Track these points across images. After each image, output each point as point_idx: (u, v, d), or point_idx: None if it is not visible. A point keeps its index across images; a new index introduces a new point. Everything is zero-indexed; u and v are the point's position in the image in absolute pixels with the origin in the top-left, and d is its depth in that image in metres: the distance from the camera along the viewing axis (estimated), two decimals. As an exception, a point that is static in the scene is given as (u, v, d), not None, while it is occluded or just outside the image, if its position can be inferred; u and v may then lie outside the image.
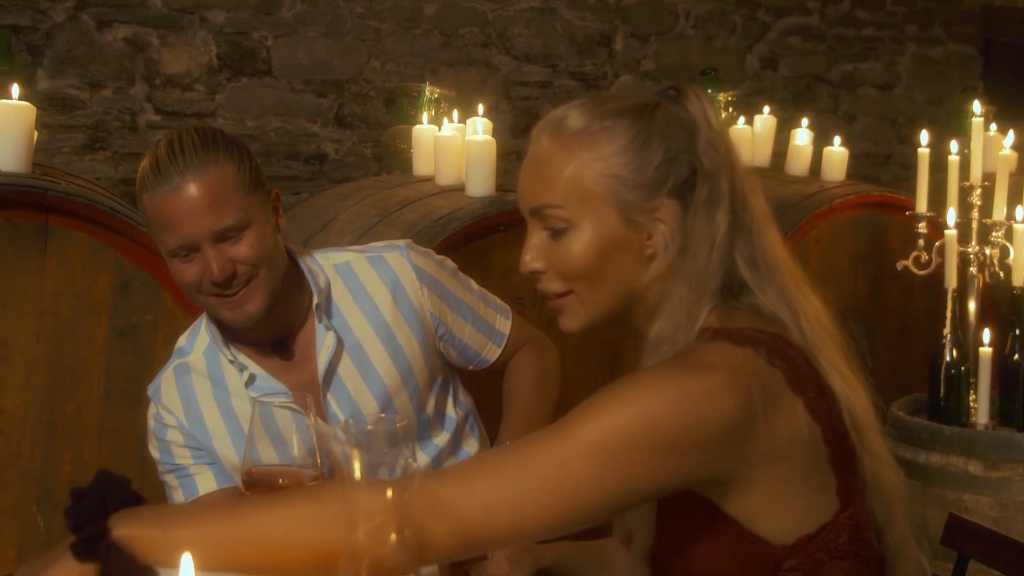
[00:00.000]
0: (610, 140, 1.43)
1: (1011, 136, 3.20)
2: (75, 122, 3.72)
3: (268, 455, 1.70)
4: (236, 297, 1.87)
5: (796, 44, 4.85)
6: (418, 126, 3.33)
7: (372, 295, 2.04)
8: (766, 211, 1.50)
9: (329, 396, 2.00)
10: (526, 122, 4.34)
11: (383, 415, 1.95)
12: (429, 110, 3.39)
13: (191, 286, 1.87)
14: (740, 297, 1.46)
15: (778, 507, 1.37)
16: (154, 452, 2.04)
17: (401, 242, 2.11)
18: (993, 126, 3.62)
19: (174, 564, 1.01)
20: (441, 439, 2.12)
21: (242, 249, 1.85)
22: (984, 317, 3.14)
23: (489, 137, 3.01)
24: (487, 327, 2.18)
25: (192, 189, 1.82)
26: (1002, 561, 1.87)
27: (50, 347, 2.45)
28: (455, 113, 3.35)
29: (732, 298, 1.45)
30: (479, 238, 2.83)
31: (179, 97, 3.85)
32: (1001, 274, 3.02)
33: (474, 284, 2.20)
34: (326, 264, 2.05)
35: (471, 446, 2.18)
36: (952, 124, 4.34)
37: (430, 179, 3.18)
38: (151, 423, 2.03)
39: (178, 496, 2.02)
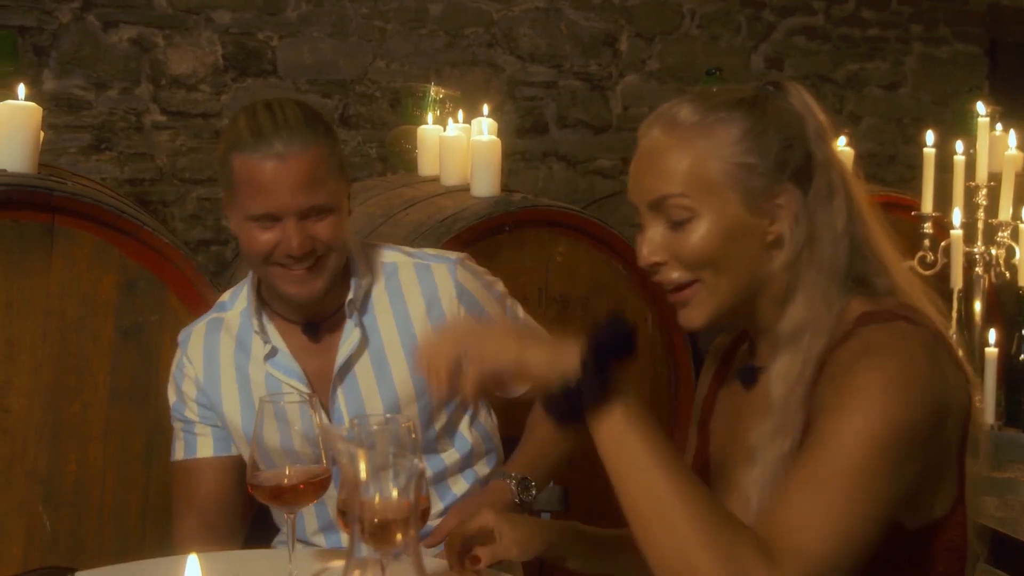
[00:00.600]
0: (727, 130, 1.45)
1: (1013, 136, 3.19)
2: (81, 122, 3.72)
3: (275, 453, 1.71)
4: (303, 273, 1.90)
5: (801, 44, 4.84)
6: (423, 126, 3.33)
7: (408, 303, 2.05)
8: (871, 201, 1.52)
9: (339, 391, 2.02)
10: (531, 122, 4.35)
11: (389, 416, 1.95)
12: (434, 110, 3.39)
13: (262, 254, 1.90)
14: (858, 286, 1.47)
15: (922, 491, 1.38)
16: (170, 396, 2.10)
17: (454, 255, 2.13)
18: (999, 126, 3.61)
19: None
20: (449, 456, 2.11)
21: (323, 229, 1.89)
22: (990, 317, 3.14)
23: (494, 137, 3.01)
24: None
25: (293, 163, 1.85)
26: (1009, 562, 1.87)
27: (56, 347, 2.45)
28: (460, 113, 3.35)
29: (855, 285, 1.47)
30: (484, 238, 2.83)
31: (184, 97, 3.86)
32: (1007, 274, 3.02)
33: (520, 311, 2.20)
34: (376, 260, 2.07)
35: (482, 468, 2.15)
36: (958, 124, 4.32)
37: (435, 179, 3.18)
38: (173, 368, 2.10)
39: (179, 446, 2.08)
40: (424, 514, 1.57)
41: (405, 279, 2.06)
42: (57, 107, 3.63)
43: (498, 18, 4.30)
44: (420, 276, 2.07)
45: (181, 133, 3.85)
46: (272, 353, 2.01)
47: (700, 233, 1.45)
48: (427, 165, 3.28)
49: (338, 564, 1.76)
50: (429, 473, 2.09)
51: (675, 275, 1.48)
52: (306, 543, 2.08)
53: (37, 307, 2.44)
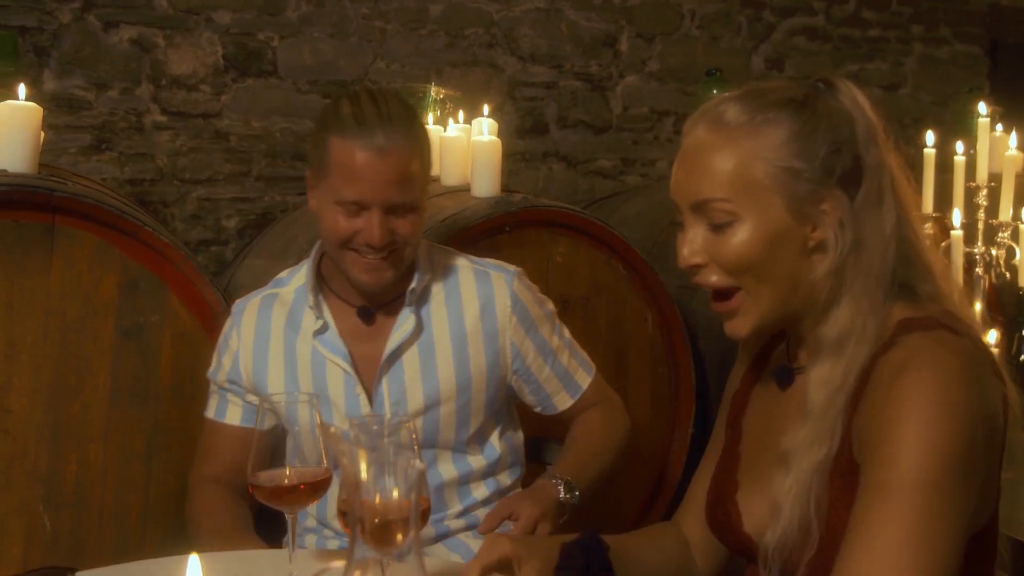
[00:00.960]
0: (775, 131, 1.42)
1: (1014, 137, 3.19)
2: (81, 123, 3.71)
3: (278, 454, 1.73)
4: (377, 262, 1.98)
5: (802, 44, 4.84)
6: (424, 127, 3.31)
7: (464, 303, 2.12)
8: (917, 202, 1.49)
9: (385, 378, 2.07)
10: (531, 123, 4.34)
11: (391, 417, 1.98)
12: (434, 111, 3.38)
13: (341, 238, 1.97)
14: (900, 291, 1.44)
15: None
16: (213, 361, 2.20)
17: (512, 268, 2.19)
18: (999, 126, 3.61)
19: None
20: (476, 462, 2.16)
21: (404, 226, 1.98)
22: (990, 318, 3.13)
23: (495, 138, 3.01)
24: (566, 376, 2.22)
25: (391, 158, 1.92)
26: (1013, 564, 1.86)
27: (56, 347, 2.46)
28: (460, 113, 3.34)
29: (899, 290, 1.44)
30: (485, 238, 2.83)
31: (185, 98, 3.85)
32: (1007, 275, 3.02)
33: (567, 333, 2.26)
34: (439, 261, 2.15)
35: (505, 479, 2.21)
36: (958, 125, 4.33)
37: (435, 179, 3.18)
38: (221, 335, 2.20)
39: (212, 404, 2.20)
40: (424, 514, 1.57)
41: (464, 280, 2.14)
42: (57, 107, 3.63)
43: (498, 18, 4.29)
44: (478, 280, 2.14)
45: (181, 133, 3.85)
46: (323, 329, 2.08)
47: (742, 237, 1.42)
48: (427, 165, 3.26)
49: (338, 564, 1.76)
50: (454, 475, 2.13)
51: (714, 278, 1.46)
52: (325, 526, 2.12)
53: (37, 307, 2.44)
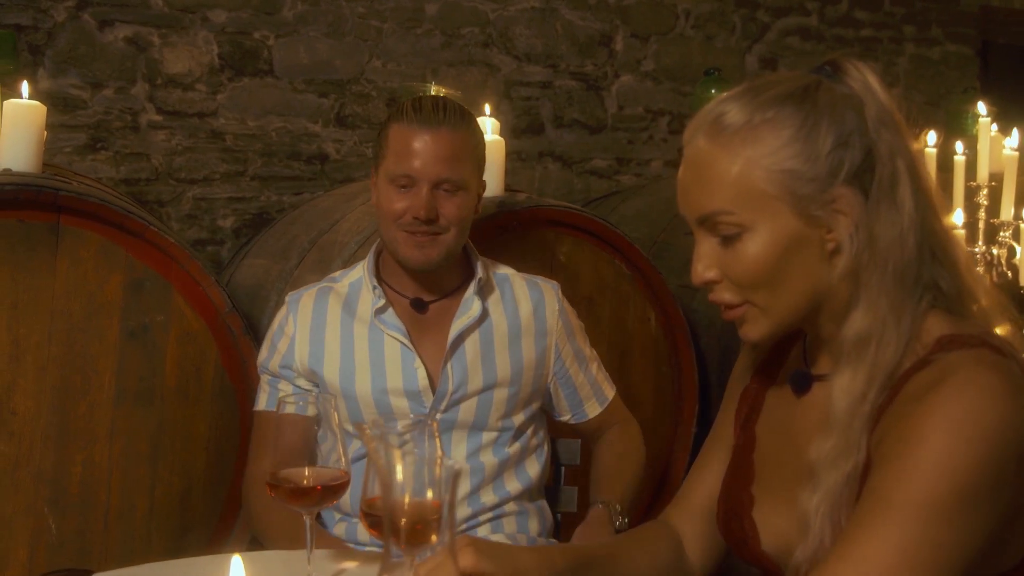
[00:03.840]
0: (775, 132, 1.33)
1: (1016, 136, 3.21)
2: (76, 122, 3.68)
3: (297, 455, 1.72)
4: (426, 239, 2.12)
5: (795, 44, 4.85)
6: (425, 126, 3.30)
7: (518, 301, 2.28)
8: (938, 190, 1.40)
9: (451, 361, 2.18)
10: (527, 122, 4.34)
11: (415, 417, 2.02)
12: (435, 110, 3.37)
13: (393, 214, 2.13)
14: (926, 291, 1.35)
15: (996, 539, 1.26)
16: (263, 351, 2.27)
17: (553, 282, 2.35)
18: (994, 126, 3.64)
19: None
20: (513, 449, 2.25)
21: (449, 205, 2.12)
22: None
23: (498, 137, 3.00)
24: (596, 385, 2.38)
25: (440, 138, 2.10)
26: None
27: (61, 348, 2.44)
28: (461, 113, 3.33)
29: (927, 293, 1.35)
30: (490, 238, 2.82)
31: (180, 97, 3.83)
32: (1009, 274, 3.03)
33: (593, 351, 2.40)
34: (490, 268, 2.29)
35: (533, 468, 2.29)
36: (951, 125, 4.36)
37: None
38: (275, 324, 2.27)
39: (262, 397, 2.25)
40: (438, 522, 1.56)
41: (516, 283, 2.30)
42: (52, 106, 3.57)
43: (494, 18, 4.29)
44: (529, 285, 2.31)
45: (177, 133, 3.82)
46: (383, 309, 2.18)
47: (753, 250, 1.34)
48: (429, 165, 3.25)
49: (355, 565, 1.75)
50: (493, 462, 2.21)
51: (727, 296, 1.39)
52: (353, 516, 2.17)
53: (43, 307, 2.42)
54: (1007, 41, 5.42)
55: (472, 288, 2.22)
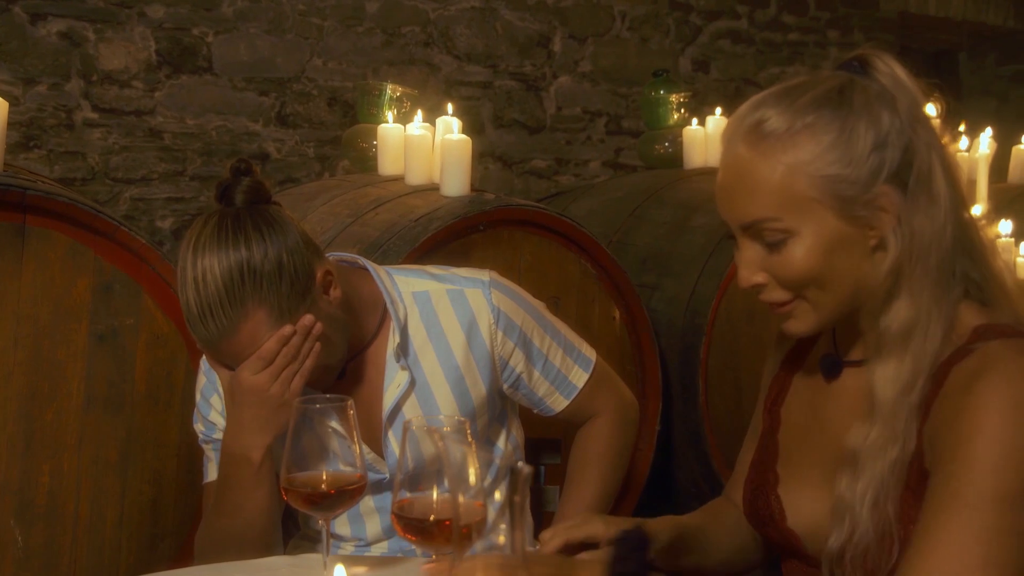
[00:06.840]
0: (815, 138, 1.36)
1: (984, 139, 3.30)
2: (8, 119, 3.55)
3: (312, 458, 1.66)
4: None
5: (727, 47, 4.94)
6: (384, 125, 3.27)
7: (447, 334, 1.98)
8: (965, 181, 1.43)
9: (390, 433, 1.96)
10: (467, 122, 4.32)
11: (454, 417, 1.92)
12: (391, 109, 3.33)
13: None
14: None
15: None
16: (198, 424, 2.00)
17: (485, 275, 2.04)
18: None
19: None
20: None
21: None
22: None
23: (465, 136, 2.98)
24: (559, 377, 2.13)
25: (229, 345, 1.77)
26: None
27: (28, 353, 2.34)
28: (419, 112, 3.30)
29: (959, 284, 1.39)
30: (459, 238, 2.80)
31: (117, 94, 3.72)
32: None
33: (561, 327, 2.15)
34: (405, 291, 1.99)
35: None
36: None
37: (399, 179, 3.14)
38: (198, 394, 1.99)
39: (210, 468, 1.99)
40: (481, 524, 1.53)
41: (440, 309, 1.99)
42: (-18, 103, 3.46)
43: (435, 17, 4.26)
44: (455, 303, 2.00)
45: (114, 131, 3.72)
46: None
47: (799, 253, 1.38)
48: (389, 164, 3.22)
49: (369, 571, 1.72)
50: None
51: (777, 295, 1.43)
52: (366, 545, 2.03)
53: (8, 311, 2.32)
54: (920, 46, 5.59)
55: (390, 351, 1.94)
